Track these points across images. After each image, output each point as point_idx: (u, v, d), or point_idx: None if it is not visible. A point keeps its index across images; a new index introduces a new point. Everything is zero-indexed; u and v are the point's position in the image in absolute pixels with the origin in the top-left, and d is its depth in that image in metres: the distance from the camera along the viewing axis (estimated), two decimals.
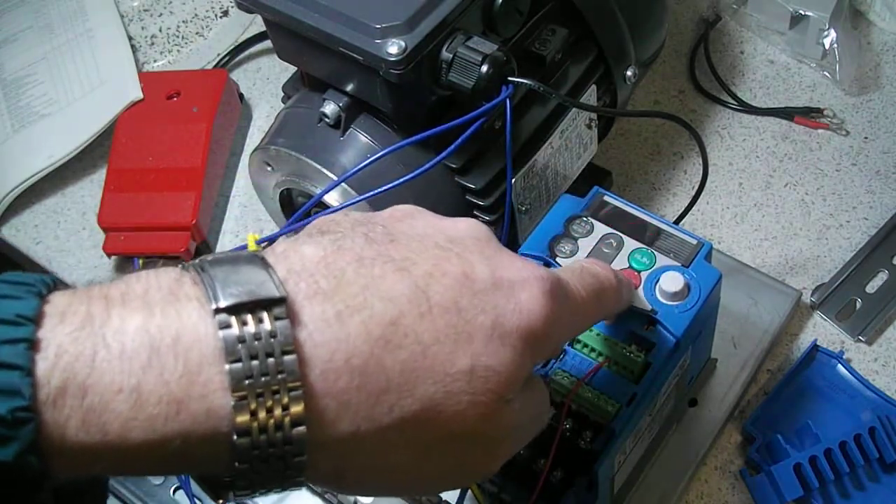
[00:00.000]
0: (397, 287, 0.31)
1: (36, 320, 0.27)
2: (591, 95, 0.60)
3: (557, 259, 0.49)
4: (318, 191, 0.53)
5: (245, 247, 0.52)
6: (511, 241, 0.56)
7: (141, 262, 0.68)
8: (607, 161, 0.72)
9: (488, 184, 0.54)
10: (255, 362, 0.27)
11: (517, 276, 0.33)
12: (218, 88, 0.75)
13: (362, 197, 0.51)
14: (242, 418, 0.27)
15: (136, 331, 0.27)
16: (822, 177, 0.70)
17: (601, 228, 0.50)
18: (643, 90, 0.76)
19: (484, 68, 0.48)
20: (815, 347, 0.60)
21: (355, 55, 0.48)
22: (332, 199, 0.53)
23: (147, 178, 0.70)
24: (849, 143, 0.72)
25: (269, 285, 0.29)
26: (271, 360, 0.28)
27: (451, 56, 0.49)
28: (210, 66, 0.82)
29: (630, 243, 0.50)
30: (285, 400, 0.28)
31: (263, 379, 0.28)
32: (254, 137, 0.78)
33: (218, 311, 0.28)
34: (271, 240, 0.53)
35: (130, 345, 0.27)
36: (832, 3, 0.73)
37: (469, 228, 0.35)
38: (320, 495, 0.57)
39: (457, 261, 0.33)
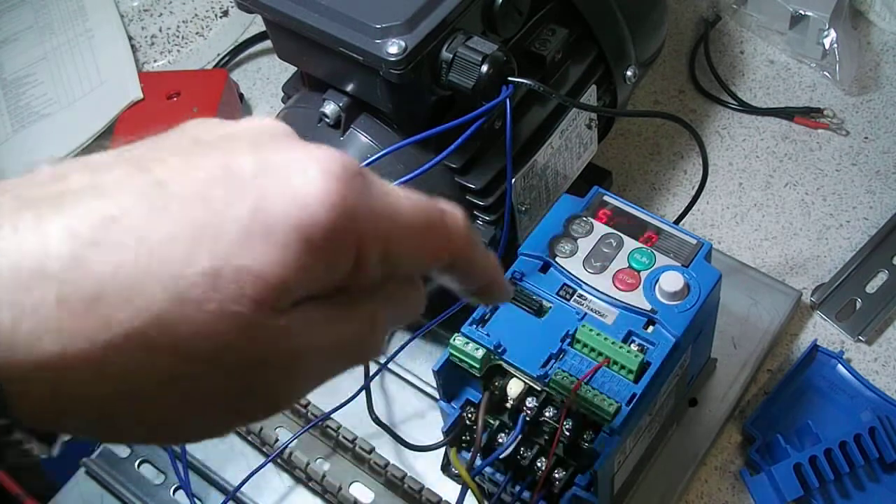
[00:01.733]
0: (127, 183, 0.25)
1: None
2: (591, 95, 0.60)
3: (557, 259, 0.50)
4: None
5: None
6: (511, 241, 0.56)
7: None
8: (607, 161, 0.72)
9: (488, 184, 0.54)
10: None
11: (295, 157, 0.26)
12: (218, 88, 0.75)
13: None
14: None
15: None
16: (822, 177, 0.70)
17: (601, 228, 0.50)
18: (643, 90, 0.76)
19: (484, 68, 0.48)
20: (815, 347, 0.60)
21: (355, 55, 0.48)
22: None
23: None
24: (849, 143, 0.72)
25: None
26: None
27: (451, 56, 0.49)
28: (210, 66, 0.82)
29: (630, 243, 0.50)
30: None
31: None
32: None
33: None
34: None
35: None
36: (832, 3, 0.73)
37: (257, 124, 0.28)
38: (320, 495, 0.57)
39: (217, 154, 0.26)
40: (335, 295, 0.27)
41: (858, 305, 0.63)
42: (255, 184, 0.25)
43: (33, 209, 0.24)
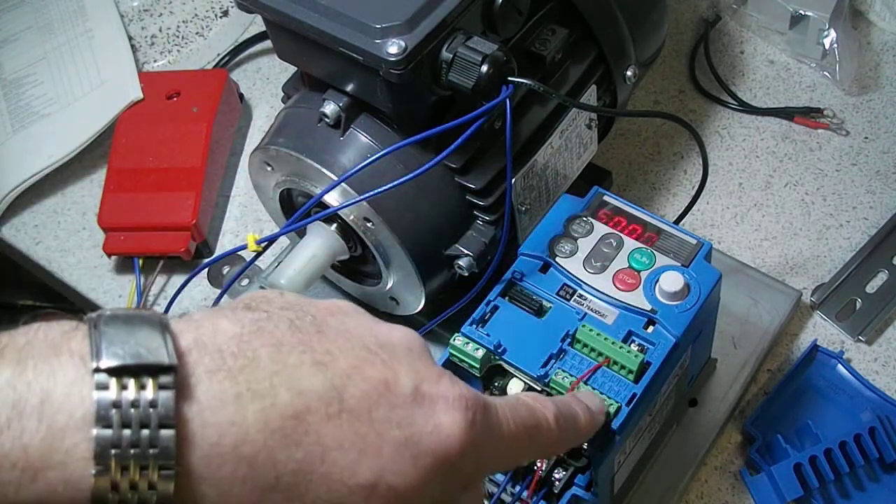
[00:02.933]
0: (310, 381, 0.28)
1: None
2: (591, 95, 0.60)
3: (557, 259, 0.50)
4: (318, 191, 0.53)
5: (244, 247, 0.52)
6: (511, 241, 0.56)
7: (141, 261, 0.68)
8: (607, 161, 0.72)
9: (488, 184, 0.54)
10: (126, 431, 0.25)
11: (441, 395, 0.31)
12: (218, 88, 0.75)
13: (362, 197, 0.51)
14: (102, 490, 0.25)
15: (3, 383, 0.25)
16: (822, 177, 0.70)
17: (601, 228, 0.50)
18: (643, 90, 0.76)
19: (484, 68, 0.48)
20: (815, 347, 0.60)
21: (355, 55, 0.48)
22: (332, 199, 0.53)
23: (147, 178, 0.70)
24: (849, 143, 0.72)
25: (160, 351, 0.26)
26: (146, 431, 0.25)
27: (451, 56, 0.49)
28: (210, 66, 0.82)
29: (630, 243, 0.50)
30: (154, 477, 0.25)
31: (133, 451, 0.25)
32: (254, 137, 0.78)
33: (97, 370, 0.25)
34: (271, 240, 0.53)
35: None
36: (832, 3, 0.73)
37: (403, 337, 0.33)
38: None
39: (381, 367, 0.30)
40: None
41: (858, 305, 0.63)
42: (412, 415, 0.30)
43: (234, 383, 0.27)
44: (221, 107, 0.74)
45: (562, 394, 0.45)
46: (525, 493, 0.47)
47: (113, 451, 0.25)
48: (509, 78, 0.49)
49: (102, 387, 0.25)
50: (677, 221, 0.63)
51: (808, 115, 0.73)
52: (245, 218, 0.73)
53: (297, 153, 0.54)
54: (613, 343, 0.46)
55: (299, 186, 0.56)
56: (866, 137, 0.72)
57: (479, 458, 0.32)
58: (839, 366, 0.60)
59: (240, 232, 0.73)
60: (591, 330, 0.46)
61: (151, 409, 0.25)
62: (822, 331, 0.63)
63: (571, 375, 0.45)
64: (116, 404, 0.25)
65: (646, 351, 0.46)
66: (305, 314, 0.31)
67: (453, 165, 0.53)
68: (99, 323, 0.27)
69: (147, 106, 0.75)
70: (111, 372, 0.25)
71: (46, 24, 0.83)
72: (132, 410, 0.25)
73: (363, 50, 0.47)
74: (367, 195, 0.50)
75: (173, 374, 0.26)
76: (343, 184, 0.52)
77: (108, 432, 0.25)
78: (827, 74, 0.75)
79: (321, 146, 0.54)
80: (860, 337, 0.62)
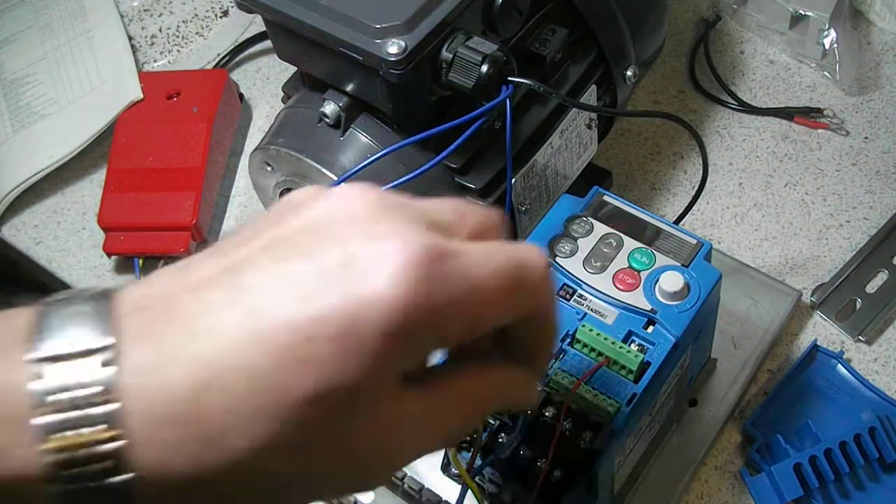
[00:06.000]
0: (227, 316, 0.27)
1: None
2: (591, 95, 0.60)
3: (557, 259, 0.50)
4: None
5: None
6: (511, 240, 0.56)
7: (141, 262, 0.68)
8: (607, 161, 0.72)
9: (488, 184, 0.54)
10: (66, 415, 0.25)
11: (373, 251, 0.27)
12: (218, 88, 0.75)
13: None
14: (53, 474, 0.26)
15: None
16: (822, 177, 0.70)
17: (601, 228, 0.50)
18: (643, 90, 0.76)
19: (484, 68, 0.48)
20: (815, 347, 0.60)
21: (355, 55, 0.48)
22: None
23: (147, 178, 0.70)
24: (849, 143, 0.72)
25: (94, 330, 0.27)
26: (86, 411, 0.26)
27: (451, 56, 0.49)
28: (210, 66, 0.82)
29: (630, 243, 0.50)
30: (101, 450, 0.26)
31: (76, 431, 0.26)
32: (254, 137, 0.78)
33: (34, 361, 0.26)
34: None
35: None
36: (832, 3, 0.73)
37: (337, 207, 0.29)
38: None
39: (306, 262, 0.28)
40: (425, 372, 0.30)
41: (858, 305, 0.63)
42: (341, 292, 0.27)
43: (159, 343, 0.27)
44: (221, 107, 0.74)
45: (562, 395, 0.45)
46: (525, 494, 0.47)
47: (58, 435, 0.26)
48: (509, 78, 0.49)
49: (37, 376, 0.26)
50: (677, 221, 0.63)
51: (808, 115, 0.73)
52: (245, 218, 0.73)
53: (297, 153, 0.54)
54: (613, 343, 0.46)
55: (299, 186, 0.56)
56: (866, 137, 0.72)
57: (449, 316, 0.28)
58: (839, 366, 0.60)
59: None
60: (591, 330, 0.46)
61: (88, 390, 0.26)
62: (822, 331, 0.63)
63: (571, 375, 0.45)
64: (53, 391, 0.26)
65: (646, 351, 0.46)
66: (241, 233, 0.30)
67: (453, 165, 0.53)
68: (41, 311, 0.27)
69: (147, 106, 0.75)
70: (48, 360, 0.26)
71: (46, 24, 0.83)
72: (70, 394, 0.26)
73: (363, 50, 0.47)
74: None
75: (107, 351, 0.26)
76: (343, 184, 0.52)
77: (52, 418, 0.26)
78: (827, 74, 0.75)
79: (321, 146, 0.54)
80: (860, 337, 0.62)
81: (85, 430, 0.26)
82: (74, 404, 0.26)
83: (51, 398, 0.26)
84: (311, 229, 0.29)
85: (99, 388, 0.26)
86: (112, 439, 0.26)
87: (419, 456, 0.31)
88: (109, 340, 0.27)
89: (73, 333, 0.27)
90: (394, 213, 0.29)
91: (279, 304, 0.27)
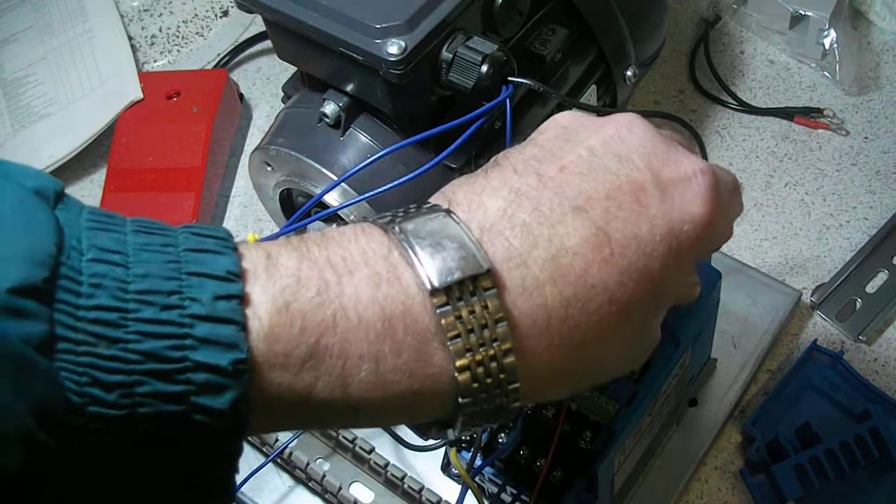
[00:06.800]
0: (580, 233, 0.32)
1: (241, 276, 0.28)
2: (591, 95, 0.60)
3: None
4: (318, 191, 0.53)
5: None
6: None
7: None
8: None
9: None
10: (472, 336, 0.30)
11: (682, 176, 0.34)
12: (218, 88, 0.75)
13: (362, 197, 0.51)
14: (465, 383, 0.30)
15: (369, 301, 0.29)
16: (822, 177, 0.70)
17: None
18: (643, 90, 0.76)
19: (484, 68, 0.48)
20: (815, 347, 0.60)
21: (355, 55, 0.48)
22: (332, 199, 0.53)
23: (147, 178, 0.70)
24: (849, 143, 0.72)
25: (474, 259, 0.30)
26: (486, 331, 0.30)
27: (451, 56, 0.49)
28: (210, 66, 0.82)
29: None
30: (501, 365, 0.30)
31: (482, 350, 0.30)
32: (254, 137, 0.78)
33: (434, 291, 0.30)
34: (271, 240, 0.53)
35: (366, 315, 0.29)
36: (832, 3, 0.73)
37: (630, 134, 0.35)
38: (320, 495, 0.57)
39: (627, 184, 0.33)
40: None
41: (858, 305, 0.63)
42: (666, 216, 0.34)
43: (528, 269, 0.32)
44: (221, 107, 0.74)
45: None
46: (525, 494, 0.47)
47: (467, 355, 0.30)
48: (509, 78, 0.49)
49: (442, 304, 0.30)
50: None
51: (808, 115, 0.73)
52: (245, 218, 0.73)
53: (297, 153, 0.54)
54: None
55: (299, 186, 0.56)
56: (866, 137, 0.72)
57: (720, 226, 0.36)
58: (839, 366, 0.60)
59: (240, 232, 0.73)
60: None
61: (486, 312, 0.30)
62: (821, 331, 0.63)
63: None
64: (458, 316, 0.30)
65: None
66: (545, 154, 0.34)
67: (453, 165, 0.53)
68: (408, 236, 0.31)
69: (147, 106, 0.75)
70: (444, 290, 0.30)
71: (46, 24, 0.83)
72: (471, 317, 0.30)
73: (363, 50, 0.47)
74: (367, 195, 0.50)
75: (490, 276, 0.30)
76: (343, 184, 0.52)
77: (459, 341, 0.30)
78: (827, 74, 0.75)
79: (321, 146, 0.54)
80: (860, 337, 0.62)
81: (487, 348, 0.30)
82: (480, 324, 0.30)
83: (458, 322, 0.30)
84: (618, 157, 0.34)
85: (493, 310, 0.30)
86: (508, 352, 0.31)
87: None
88: (489, 266, 0.31)
89: (458, 264, 0.30)
90: (669, 143, 0.36)
91: (623, 224, 0.33)
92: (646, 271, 0.33)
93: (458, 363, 0.30)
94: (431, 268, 0.30)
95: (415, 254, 0.30)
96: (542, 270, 0.31)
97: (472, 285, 0.30)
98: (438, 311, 0.30)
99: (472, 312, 0.30)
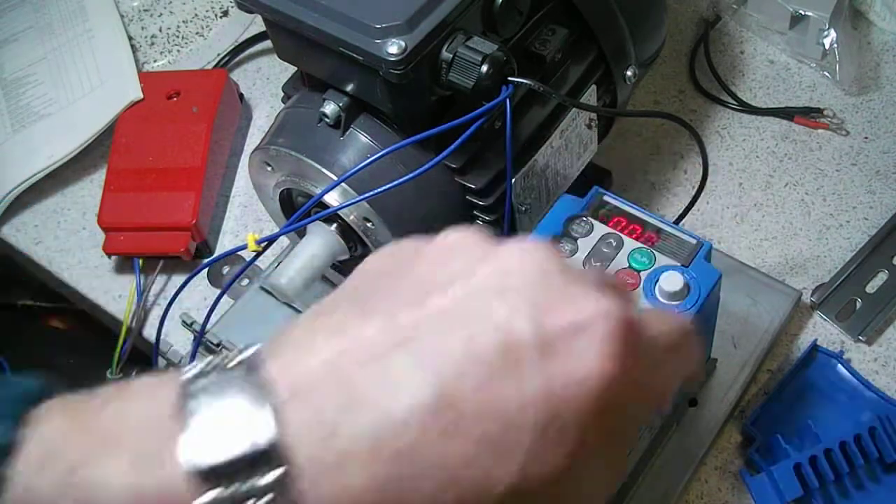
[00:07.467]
0: (415, 396, 0.25)
1: (9, 450, 0.25)
2: (591, 95, 0.60)
3: None
4: (318, 191, 0.53)
5: (244, 247, 0.52)
6: None
7: (141, 262, 0.68)
8: (607, 161, 0.72)
9: (488, 184, 0.54)
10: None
11: (576, 324, 0.26)
12: (218, 88, 0.75)
13: (362, 197, 0.51)
14: None
15: (120, 488, 0.25)
16: (822, 177, 0.70)
17: (601, 228, 0.50)
18: (643, 90, 0.76)
19: (484, 68, 0.48)
20: (815, 347, 0.60)
21: (355, 55, 0.48)
22: (332, 199, 0.53)
23: (147, 178, 0.70)
24: (849, 143, 0.72)
25: (264, 433, 0.25)
26: None
27: (451, 56, 0.49)
28: (210, 66, 0.82)
29: (630, 243, 0.50)
30: None
31: None
32: (254, 137, 0.78)
33: (204, 472, 0.24)
34: (271, 240, 0.53)
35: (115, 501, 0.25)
36: (832, 3, 0.73)
37: (523, 273, 0.27)
38: None
39: (492, 333, 0.25)
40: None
41: (858, 305, 0.63)
42: (544, 376, 0.25)
43: (334, 443, 0.24)
44: (221, 107, 0.74)
45: None
46: None
47: None
48: (509, 78, 0.49)
49: (211, 486, 0.25)
50: (677, 221, 0.63)
51: (808, 115, 0.73)
52: (245, 218, 0.73)
53: (297, 153, 0.54)
54: None
55: (299, 186, 0.56)
56: (866, 137, 0.72)
57: (630, 392, 0.27)
58: (839, 366, 0.60)
59: (240, 232, 0.73)
60: None
61: (268, 495, 0.24)
62: (822, 331, 0.63)
63: None
64: (230, 500, 0.25)
65: None
66: (408, 287, 0.27)
67: (453, 165, 0.53)
68: (192, 405, 0.26)
69: (147, 106, 0.75)
70: (218, 470, 0.25)
71: (46, 24, 0.83)
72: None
73: (363, 50, 0.47)
74: (367, 195, 0.50)
75: (282, 461, 0.24)
76: (343, 184, 0.52)
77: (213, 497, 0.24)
78: (827, 74, 0.75)
79: (321, 146, 0.54)
80: (860, 337, 0.62)
81: None
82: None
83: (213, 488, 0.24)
84: (485, 293, 0.26)
85: (278, 495, 0.24)
86: None
87: None
88: (280, 446, 0.25)
89: (241, 440, 0.25)
90: (574, 279, 0.27)
91: (471, 389, 0.25)
92: (507, 451, 0.25)
93: None
94: (205, 443, 0.25)
95: (189, 423, 0.25)
96: (353, 446, 0.24)
97: (257, 468, 0.24)
98: (204, 497, 0.24)
99: (248, 496, 0.24)
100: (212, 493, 0.24)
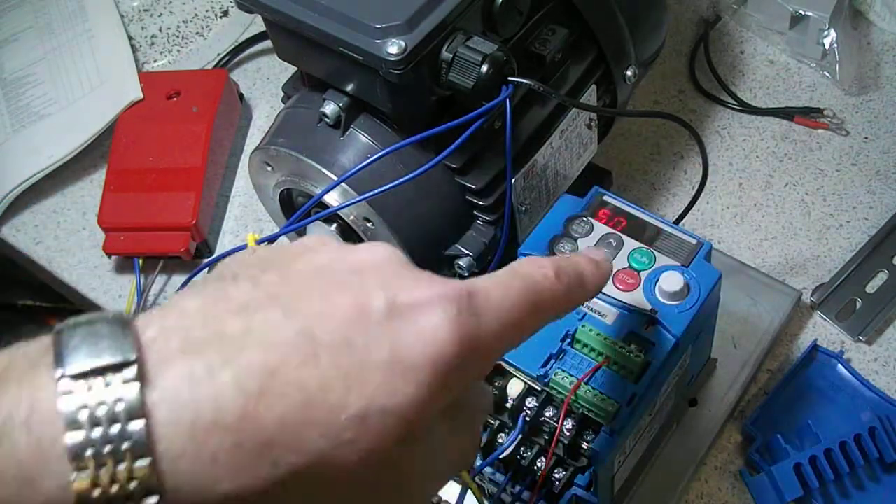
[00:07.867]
0: (280, 332, 0.28)
1: None
2: (591, 95, 0.60)
3: None
4: (318, 191, 0.53)
5: (244, 247, 0.52)
6: (511, 241, 0.56)
7: (141, 262, 0.68)
8: (607, 161, 0.72)
9: (488, 184, 0.54)
10: (97, 430, 0.25)
11: (418, 300, 0.30)
12: (218, 88, 0.75)
13: (362, 197, 0.51)
14: (83, 490, 0.25)
15: None
16: (822, 177, 0.70)
17: (601, 228, 0.50)
18: (643, 90, 0.76)
19: (484, 68, 0.48)
20: (815, 347, 0.60)
21: (355, 55, 0.48)
22: (332, 199, 0.53)
23: (147, 178, 0.70)
24: (849, 143, 0.72)
25: (120, 348, 0.27)
26: (116, 426, 0.26)
27: (451, 56, 0.49)
28: (210, 66, 0.82)
29: (630, 243, 0.50)
30: (132, 466, 0.26)
31: (107, 448, 0.25)
32: (254, 137, 0.78)
33: (62, 377, 0.26)
34: (271, 240, 0.53)
35: None
36: (832, 3, 0.73)
37: (373, 255, 0.32)
38: None
39: (351, 294, 0.29)
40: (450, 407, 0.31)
41: (858, 305, 0.63)
42: (391, 327, 0.29)
43: (201, 357, 0.27)
44: (221, 107, 0.74)
45: (562, 394, 0.45)
46: (525, 494, 0.47)
47: (88, 452, 0.25)
48: (509, 78, 0.49)
49: (67, 392, 0.26)
50: (677, 221, 0.63)
51: (808, 115, 0.73)
52: (245, 218, 0.73)
53: (297, 153, 0.54)
54: (613, 343, 0.46)
55: (299, 186, 0.56)
56: (866, 137, 0.72)
57: (479, 348, 0.30)
58: (839, 366, 0.60)
59: (240, 232, 0.73)
60: (590, 330, 0.46)
61: (118, 404, 0.26)
62: (822, 331, 0.63)
63: (571, 375, 0.45)
64: (83, 406, 0.26)
65: (646, 351, 0.46)
66: (269, 266, 0.31)
67: (453, 165, 0.53)
68: (63, 332, 0.27)
69: (147, 106, 0.75)
70: (76, 377, 0.26)
71: (46, 24, 0.83)
72: (99, 410, 0.26)
73: (363, 50, 0.47)
74: (367, 195, 0.50)
75: (134, 366, 0.26)
76: (343, 184, 0.52)
77: (80, 434, 0.25)
78: (827, 74, 0.75)
79: (321, 146, 0.54)
80: (860, 337, 0.62)
81: (115, 447, 0.26)
82: (109, 418, 0.26)
83: (83, 414, 0.26)
84: (355, 272, 0.30)
85: (128, 403, 0.26)
86: (143, 455, 0.26)
87: (441, 484, 0.34)
88: (134, 356, 0.26)
89: (100, 352, 0.27)
90: (420, 272, 0.32)
91: (331, 329, 0.28)
92: (357, 381, 0.28)
93: (75, 463, 0.25)
94: (67, 357, 0.26)
95: (56, 346, 0.27)
96: (222, 361, 0.27)
97: (111, 375, 0.26)
98: (60, 400, 0.25)
99: (101, 404, 0.26)
100: (68, 397, 0.26)
